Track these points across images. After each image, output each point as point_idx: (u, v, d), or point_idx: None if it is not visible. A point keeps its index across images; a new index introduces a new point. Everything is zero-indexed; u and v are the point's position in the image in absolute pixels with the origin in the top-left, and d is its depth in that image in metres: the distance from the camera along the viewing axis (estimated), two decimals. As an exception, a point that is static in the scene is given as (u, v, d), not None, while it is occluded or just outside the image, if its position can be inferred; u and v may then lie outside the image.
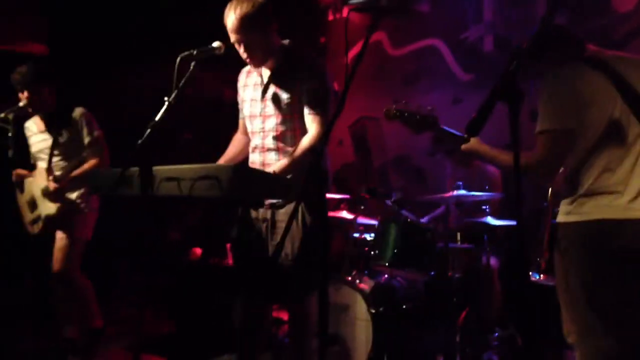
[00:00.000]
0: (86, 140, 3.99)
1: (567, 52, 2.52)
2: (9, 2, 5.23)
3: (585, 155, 2.41)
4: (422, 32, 5.99)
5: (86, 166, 3.96)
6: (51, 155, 3.98)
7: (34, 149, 4.10)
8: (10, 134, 3.85)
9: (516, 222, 1.77)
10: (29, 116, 4.11)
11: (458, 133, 2.65)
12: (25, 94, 3.90)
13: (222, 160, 3.19)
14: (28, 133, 4.14)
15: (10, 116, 3.85)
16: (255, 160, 3.04)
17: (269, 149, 2.99)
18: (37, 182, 3.98)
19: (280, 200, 2.91)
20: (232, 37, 2.86)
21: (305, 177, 2.11)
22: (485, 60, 5.47)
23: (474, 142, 2.58)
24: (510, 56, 1.80)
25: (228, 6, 2.85)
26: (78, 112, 4.00)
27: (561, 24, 2.61)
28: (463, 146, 2.60)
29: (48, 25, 5.38)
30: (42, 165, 4.03)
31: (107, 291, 4.54)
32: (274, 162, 2.94)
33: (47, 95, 3.99)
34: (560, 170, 2.52)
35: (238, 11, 2.80)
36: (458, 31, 5.71)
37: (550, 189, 3.06)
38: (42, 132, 4.07)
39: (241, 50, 2.90)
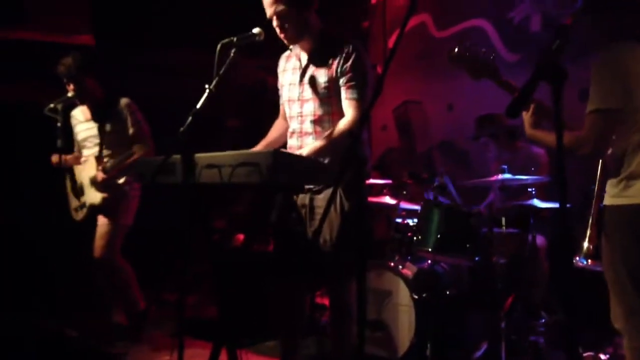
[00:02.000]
0: (130, 130, 4.05)
1: (629, 20, 2.42)
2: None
3: (633, 137, 2.34)
4: (467, 13, 5.87)
5: (134, 158, 4.02)
6: (102, 145, 4.06)
7: (79, 137, 4.20)
8: (59, 124, 3.96)
9: (559, 206, 1.72)
10: (76, 105, 4.21)
11: (515, 84, 2.58)
12: (71, 85, 4.00)
13: (261, 145, 3.18)
14: (74, 122, 4.24)
15: (60, 106, 3.95)
16: (293, 144, 3.04)
17: (306, 133, 2.99)
18: (87, 170, 4.08)
19: (317, 186, 2.91)
20: (268, 11, 2.87)
21: (342, 162, 2.09)
22: (532, 41, 5.33)
23: (526, 121, 2.52)
24: (554, 34, 1.74)
25: None
26: (123, 102, 4.07)
27: None
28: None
29: (93, 16, 5.48)
30: (86, 153, 4.13)
31: (152, 276, 4.63)
32: None
33: (92, 85, 4.08)
34: (609, 152, 2.45)
35: None
36: (504, 10, 5.57)
37: (599, 172, 2.97)
38: (87, 120, 4.17)
39: (275, 25, 2.89)
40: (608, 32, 2.47)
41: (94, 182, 4.01)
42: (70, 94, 4.00)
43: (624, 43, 2.37)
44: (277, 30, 2.91)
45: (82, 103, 4.16)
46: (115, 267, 4.06)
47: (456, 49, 2.60)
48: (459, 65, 2.63)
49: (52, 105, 3.96)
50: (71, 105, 4.14)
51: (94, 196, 4.03)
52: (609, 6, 2.48)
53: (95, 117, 4.11)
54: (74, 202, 4.17)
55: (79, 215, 4.15)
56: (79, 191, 4.12)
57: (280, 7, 2.84)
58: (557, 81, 1.69)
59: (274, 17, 2.88)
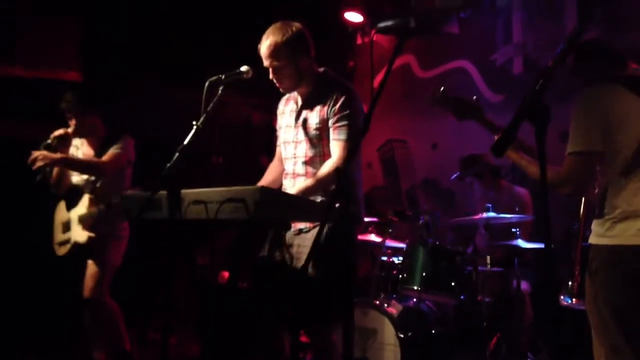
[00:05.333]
0: (113, 150, 3.94)
1: (608, 68, 2.49)
2: (43, 30, 5.39)
3: (618, 177, 2.37)
4: (450, 54, 6.00)
5: (91, 160, 3.93)
6: (95, 184, 4.00)
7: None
8: None
9: (544, 245, 1.73)
10: (77, 137, 4.10)
11: (499, 125, 2.62)
12: (73, 120, 3.95)
13: None
14: (74, 150, 4.11)
15: (55, 142, 3.88)
16: (287, 186, 3.05)
17: (298, 175, 3.01)
18: (79, 207, 3.99)
19: (307, 226, 2.91)
20: (265, 62, 2.94)
21: (329, 200, 2.10)
22: (514, 82, 5.44)
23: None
24: (536, 76, 1.78)
25: (265, 33, 2.93)
26: (120, 138, 4.00)
27: (602, 39, 2.60)
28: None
29: (81, 52, 5.51)
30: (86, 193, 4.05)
31: (134, 315, 4.56)
32: None
33: (95, 122, 4.02)
34: (595, 191, 2.48)
35: (271, 38, 2.89)
36: (487, 53, 5.70)
37: (581, 211, 3.01)
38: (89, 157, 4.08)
39: (271, 76, 2.96)
40: (587, 75, 2.53)
41: (82, 220, 3.95)
42: (70, 129, 3.93)
43: (603, 84, 2.43)
44: (274, 80, 2.97)
45: (82, 138, 4.09)
46: (103, 307, 3.97)
47: (440, 92, 2.64)
48: (443, 106, 2.68)
49: (48, 141, 3.87)
50: (66, 141, 4.05)
51: (79, 234, 3.94)
52: (588, 53, 2.56)
53: (97, 155, 4.03)
54: (58, 236, 4.09)
55: (62, 251, 4.05)
56: (65, 226, 4.04)
57: (276, 62, 2.90)
58: (541, 121, 1.72)
59: (270, 70, 2.94)
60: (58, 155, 3.85)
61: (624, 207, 2.35)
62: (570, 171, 2.37)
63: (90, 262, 3.95)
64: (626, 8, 4.67)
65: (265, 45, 2.90)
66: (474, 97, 2.65)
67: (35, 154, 3.78)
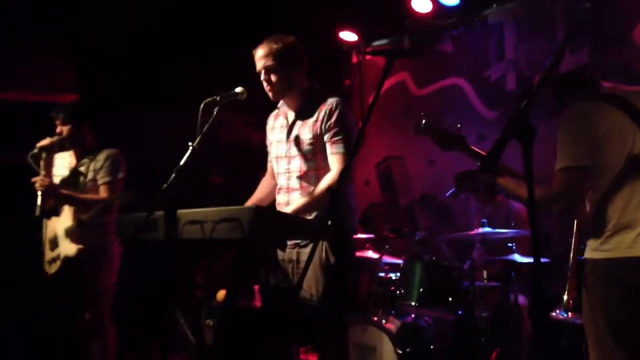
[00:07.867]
0: (105, 179, 3.94)
1: (580, 92, 2.54)
2: (38, 53, 5.44)
3: (608, 191, 2.40)
4: (445, 71, 6.05)
5: (88, 196, 3.91)
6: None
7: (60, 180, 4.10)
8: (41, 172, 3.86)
9: (533, 260, 1.76)
10: (65, 149, 4.09)
11: (483, 153, 2.66)
12: (64, 129, 3.93)
13: (249, 203, 3.22)
14: (59, 162, 4.08)
15: (44, 155, 3.86)
16: (280, 200, 3.09)
17: (293, 189, 3.04)
18: (62, 220, 3.92)
19: (304, 240, 2.94)
20: (258, 65, 3.00)
21: (324, 216, 2.13)
22: (508, 98, 5.48)
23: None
24: (522, 94, 1.82)
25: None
26: (106, 152, 3.99)
27: (572, 70, 2.68)
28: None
29: (76, 75, 5.56)
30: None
31: (131, 337, 4.53)
32: None
33: (85, 132, 4.02)
34: (587, 207, 2.51)
35: (267, 43, 2.98)
36: (481, 69, 5.75)
37: (575, 225, 3.03)
38: (71, 167, 4.08)
39: (262, 78, 3.01)
40: (568, 99, 2.59)
41: (69, 233, 3.89)
42: (55, 139, 3.87)
43: (587, 102, 2.47)
44: (264, 83, 3.02)
45: (70, 148, 4.09)
46: (103, 332, 3.94)
47: (423, 122, 2.69)
48: (428, 136, 2.72)
49: (35, 151, 3.81)
50: (51, 151, 3.94)
51: (68, 248, 3.85)
52: (564, 83, 2.62)
53: (79, 166, 4.04)
54: (48, 254, 3.99)
55: (52, 268, 3.94)
56: (53, 243, 3.99)
57: (270, 62, 2.96)
58: (527, 139, 1.75)
59: (262, 71, 2.99)
60: (65, 191, 3.85)
61: (616, 219, 2.37)
62: (562, 186, 2.40)
63: (85, 283, 3.90)
64: (614, 25, 4.74)
65: (260, 49, 2.98)
66: (458, 126, 2.69)
67: (47, 181, 3.74)
